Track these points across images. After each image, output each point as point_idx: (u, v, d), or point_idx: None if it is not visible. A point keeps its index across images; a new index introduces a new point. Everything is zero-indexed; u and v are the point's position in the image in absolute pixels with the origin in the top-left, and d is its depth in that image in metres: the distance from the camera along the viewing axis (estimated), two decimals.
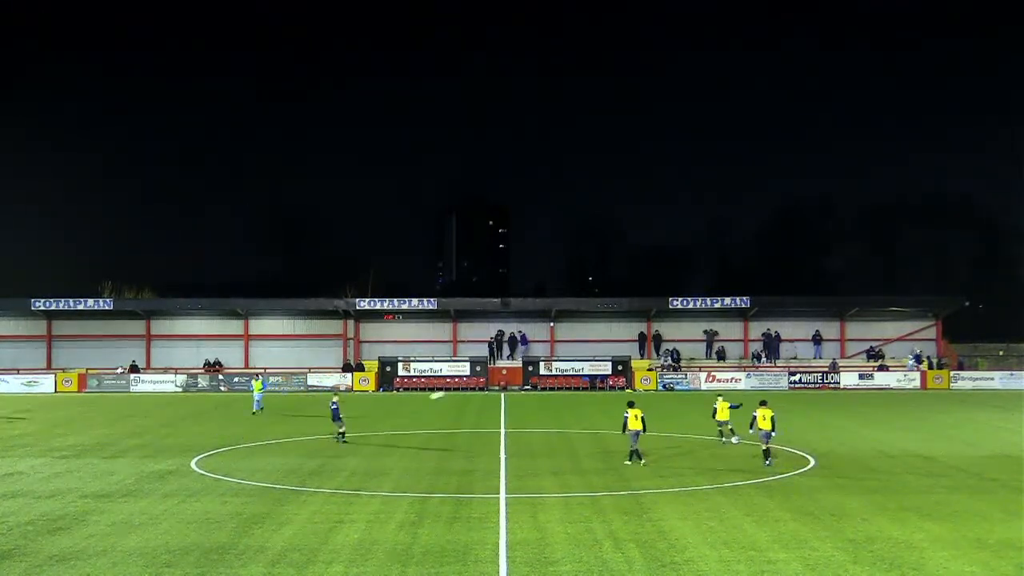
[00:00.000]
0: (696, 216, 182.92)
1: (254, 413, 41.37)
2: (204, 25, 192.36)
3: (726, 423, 29.90)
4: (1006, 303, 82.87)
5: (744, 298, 64.41)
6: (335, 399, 31.61)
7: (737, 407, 29.92)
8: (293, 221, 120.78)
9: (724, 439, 29.88)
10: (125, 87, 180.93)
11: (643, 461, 25.11)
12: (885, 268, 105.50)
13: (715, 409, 29.96)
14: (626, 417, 25.34)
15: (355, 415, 42.30)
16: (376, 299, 67.38)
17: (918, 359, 62.01)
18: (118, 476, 23.89)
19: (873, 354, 64.00)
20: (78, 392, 60.25)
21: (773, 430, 25.02)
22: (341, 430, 30.50)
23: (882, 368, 61.90)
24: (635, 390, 59.46)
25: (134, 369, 62.91)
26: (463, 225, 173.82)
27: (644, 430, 25.34)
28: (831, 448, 28.78)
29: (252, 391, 43.73)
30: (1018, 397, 50.27)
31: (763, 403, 25.88)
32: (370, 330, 66.58)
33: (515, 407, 46.15)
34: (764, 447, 25.03)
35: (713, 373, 61.19)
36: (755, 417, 25.51)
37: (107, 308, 64.72)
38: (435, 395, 38.15)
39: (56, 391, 60.46)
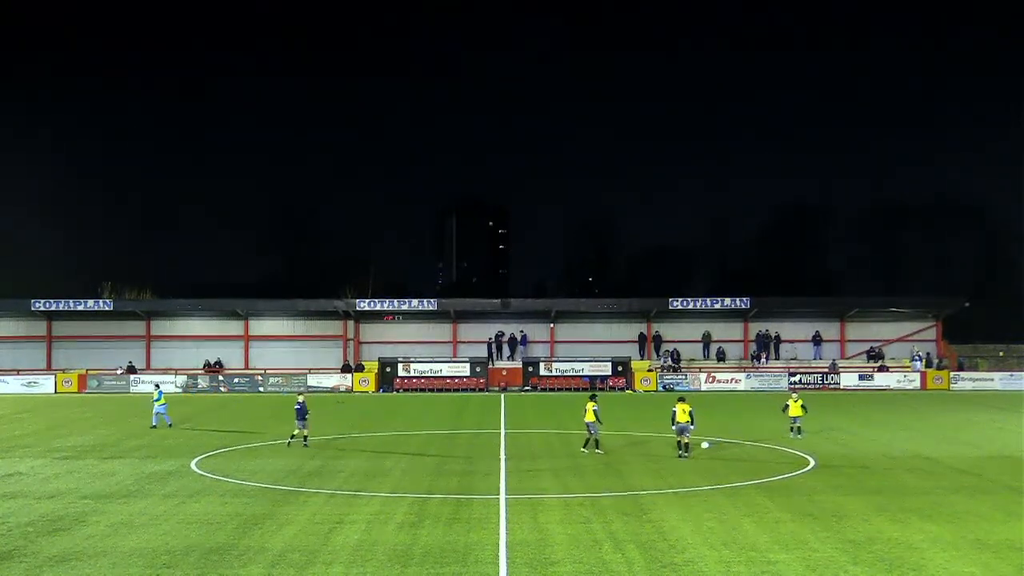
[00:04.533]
0: (696, 216, 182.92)
1: (166, 426, 35.88)
2: (205, 25, 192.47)
3: (796, 420, 31.32)
4: (1006, 304, 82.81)
5: (744, 299, 64.43)
6: (301, 398, 29.99)
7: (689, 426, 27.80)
8: (293, 221, 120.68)
9: (793, 435, 31.12)
10: (125, 86, 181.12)
11: (592, 450, 27.27)
12: (885, 269, 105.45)
13: (787, 405, 31.73)
14: (585, 409, 27.78)
15: (355, 416, 42.37)
16: (376, 300, 67.46)
17: (927, 362, 62.13)
18: (118, 477, 23.88)
19: (873, 355, 63.99)
20: (78, 393, 60.26)
21: (692, 423, 26.67)
22: (305, 432, 29.28)
23: (882, 369, 61.91)
24: (635, 391, 59.53)
25: (131, 370, 62.85)
26: (463, 225, 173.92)
27: (599, 422, 27.59)
28: (831, 449, 28.76)
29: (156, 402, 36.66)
30: (1018, 398, 50.28)
31: (681, 399, 27.16)
32: (370, 331, 66.59)
33: (515, 408, 46.14)
34: (684, 440, 26.58)
35: (713, 374, 61.21)
36: (674, 412, 26.76)
37: (107, 309, 64.77)
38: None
39: (56, 392, 60.48)
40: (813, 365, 63.22)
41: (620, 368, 61.42)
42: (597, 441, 27.61)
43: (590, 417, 27.43)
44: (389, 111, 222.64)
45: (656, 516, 18.40)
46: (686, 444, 26.67)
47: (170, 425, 36.03)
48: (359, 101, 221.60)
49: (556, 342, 65.85)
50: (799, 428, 31.26)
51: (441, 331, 66.45)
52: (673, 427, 27.05)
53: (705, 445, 27.51)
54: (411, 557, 15.29)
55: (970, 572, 14.44)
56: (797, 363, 63.64)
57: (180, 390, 60.88)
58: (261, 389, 60.68)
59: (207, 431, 35.33)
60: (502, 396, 55.63)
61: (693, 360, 64.24)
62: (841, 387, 60.15)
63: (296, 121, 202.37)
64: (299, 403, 29.67)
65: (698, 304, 64.80)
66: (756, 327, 65.28)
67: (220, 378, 61.96)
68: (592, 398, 28.26)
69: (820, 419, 38.09)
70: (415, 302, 65.96)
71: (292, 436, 29.80)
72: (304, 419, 29.30)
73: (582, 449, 27.70)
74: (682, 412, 26.55)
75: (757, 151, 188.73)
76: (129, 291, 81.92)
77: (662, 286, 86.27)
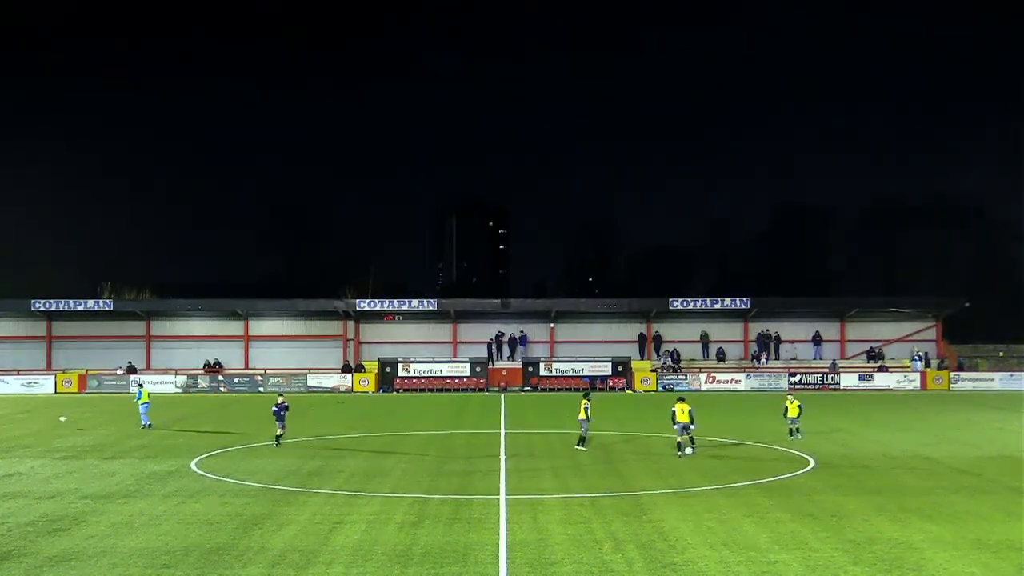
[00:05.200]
0: (696, 217, 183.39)
1: (143, 426, 35.65)
2: (204, 24, 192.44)
3: (796, 420, 30.83)
4: (1006, 304, 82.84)
5: (744, 299, 64.42)
6: (281, 399, 30.70)
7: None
8: (293, 221, 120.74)
9: (792, 436, 30.56)
10: (125, 86, 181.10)
11: (584, 448, 28.20)
12: (885, 269, 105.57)
13: (786, 408, 31.17)
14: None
15: (355, 416, 42.43)
16: (376, 300, 67.49)
17: (926, 361, 62.24)
18: (118, 477, 23.88)
19: (873, 355, 63.98)
20: (78, 393, 60.25)
21: (692, 423, 27.23)
22: (280, 432, 29.83)
23: (882, 369, 61.90)
24: (635, 391, 59.53)
25: (132, 370, 62.82)
26: (463, 226, 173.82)
27: (588, 419, 28.54)
28: (831, 449, 28.76)
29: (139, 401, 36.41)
30: (1018, 398, 50.27)
31: (681, 399, 27.90)
32: (370, 331, 66.58)
33: (515, 408, 46.14)
34: (679, 439, 27.28)
35: (713, 374, 61.19)
36: (674, 412, 27.38)
37: (107, 309, 64.78)
38: (62, 417, 36.65)
39: (56, 392, 60.47)
40: (813, 365, 63.20)
41: (620, 368, 61.42)
42: (583, 439, 28.56)
43: (582, 415, 28.63)
44: (389, 111, 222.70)
45: (656, 516, 18.40)
46: (689, 440, 27.31)
47: (148, 426, 35.54)
48: (359, 101, 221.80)
49: (556, 342, 65.84)
50: (797, 429, 31.00)
51: (441, 331, 66.44)
52: (675, 426, 27.35)
53: (689, 451, 27.20)
54: (411, 557, 15.29)
55: (970, 572, 14.44)
56: (797, 363, 63.62)
57: (180, 390, 60.91)
58: (261, 389, 60.61)
59: (207, 431, 35.33)
60: (502, 396, 55.63)
61: (693, 360, 64.22)
62: (841, 387, 60.12)
63: (296, 121, 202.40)
64: (278, 403, 30.23)
65: (698, 304, 64.81)
66: (756, 327, 65.26)
67: (220, 378, 61.95)
68: (585, 396, 29.86)
69: (820, 419, 38.09)
70: (415, 302, 65.96)
71: (278, 437, 29.98)
72: (283, 419, 29.88)
73: (576, 447, 28.40)
74: (681, 412, 27.05)
75: (757, 151, 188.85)
76: (129, 291, 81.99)
77: (662, 286, 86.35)
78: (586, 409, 28.62)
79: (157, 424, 36.35)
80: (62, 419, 37.10)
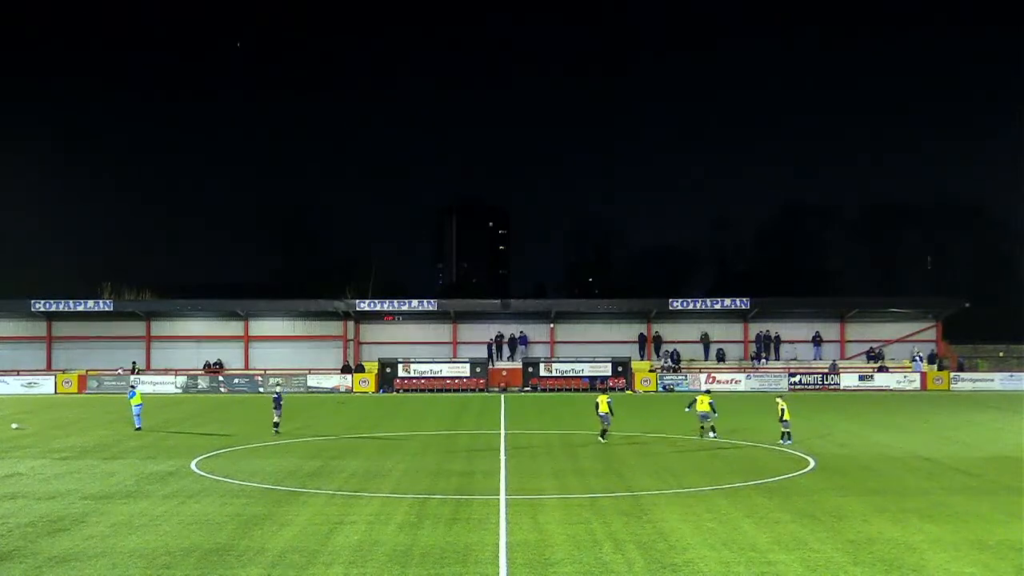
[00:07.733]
0: (696, 217, 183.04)
1: (139, 429, 35.04)
2: (203, 24, 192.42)
3: (787, 423, 30.18)
4: (1006, 304, 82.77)
5: (744, 299, 64.42)
6: (279, 389, 36.42)
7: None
8: (293, 222, 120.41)
9: (783, 440, 30.05)
10: (124, 87, 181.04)
11: (604, 439, 30.32)
12: (885, 269, 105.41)
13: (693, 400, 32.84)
14: (597, 403, 31.10)
15: (355, 416, 42.49)
16: (376, 300, 67.49)
17: (930, 358, 62.29)
18: (118, 477, 23.89)
19: (873, 355, 63.99)
20: (78, 393, 60.26)
21: (714, 412, 30.97)
22: (275, 420, 33.35)
23: (882, 369, 61.90)
24: (635, 391, 59.53)
25: (134, 370, 62.82)
26: (463, 226, 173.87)
27: (612, 413, 30.71)
28: (831, 449, 28.78)
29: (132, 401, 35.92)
30: (1018, 399, 50.29)
31: (707, 391, 32.30)
32: (370, 331, 66.60)
33: (515, 408, 46.15)
34: (702, 424, 31.34)
35: (713, 374, 61.20)
36: (695, 400, 31.44)
37: (107, 309, 64.77)
38: (14, 425, 36.55)
39: (56, 392, 60.48)
40: (813, 366, 63.22)
41: (620, 368, 61.43)
42: (606, 431, 30.62)
43: (604, 409, 30.46)
44: (389, 110, 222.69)
45: (656, 516, 18.41)
46: (711, 428, 30.79)
47: (138, 429, 35.23)
48: (360, 101, 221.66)
49: (556, 343, 65.87)
50: (786, 434, 30.13)
51: (441, 332, 66.46)
52: (687, 409, 31.69)
53: (712, 436, 30.78)
54: (411, 557, 15.30)
55: (970, 572, 14.45)
56: (797, 364, 63.65)
57: (180, 390, 60.92)
58: (261, 390, 60.60)
59: (207, 432, 35.35)
60: (502, 396, 55.65)
61: (693, 361, 64.25)
62: (841, 388, 60.13)
63: (296, 121, 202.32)
64: (276, 393, 34.47)
65: (698, 305, 64.85)
66: (756, 328, 65.29)
67: (220, 379, 61.98)
68: (604, 391, 33.42)
69: (820, 420, 38.10)
70: (415, 302, 65.95)
71: (275, 424, 33.42)
72: (279, 408, 33.54)
73: (599, 439, 30.51)
74: (701, 402, 30.82)
75: (757, 151, 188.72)
76: (129, 291, 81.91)
77: (662, 286, 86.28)
78: (609, 404, 30.66)
79: (158, 425, 36.31)
80: (14, 426, 36.64)
